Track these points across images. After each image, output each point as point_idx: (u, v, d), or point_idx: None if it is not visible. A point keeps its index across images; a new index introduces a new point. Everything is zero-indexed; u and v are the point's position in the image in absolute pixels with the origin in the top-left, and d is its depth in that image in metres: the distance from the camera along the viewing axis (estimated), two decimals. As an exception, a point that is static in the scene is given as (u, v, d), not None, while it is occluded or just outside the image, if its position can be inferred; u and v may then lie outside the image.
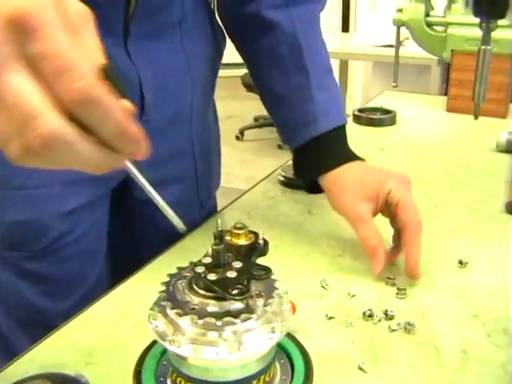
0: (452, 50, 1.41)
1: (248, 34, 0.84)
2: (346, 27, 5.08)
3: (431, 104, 1.54)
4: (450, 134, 1.36)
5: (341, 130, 0.82)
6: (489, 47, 0.64)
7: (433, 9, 1.55)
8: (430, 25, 1.50)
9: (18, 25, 0.34)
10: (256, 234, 0.49)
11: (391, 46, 2.32)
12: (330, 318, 0.65)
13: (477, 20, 0.78)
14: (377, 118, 1.34)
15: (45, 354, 0.59)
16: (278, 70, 0.82)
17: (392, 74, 2.22)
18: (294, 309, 0.60)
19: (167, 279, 0.48)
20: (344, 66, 3.88)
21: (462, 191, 0.99)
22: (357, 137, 1.28)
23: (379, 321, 0.64)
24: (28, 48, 0.34)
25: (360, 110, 1.36)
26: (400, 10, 1.56)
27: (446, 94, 1.55)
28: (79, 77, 0.34)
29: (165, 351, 0.52)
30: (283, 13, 0.81)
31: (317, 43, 0.84)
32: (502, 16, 0.60)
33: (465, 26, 1.41)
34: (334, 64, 4.00)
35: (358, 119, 1.34)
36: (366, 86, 4.41)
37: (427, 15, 1.52)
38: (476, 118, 0.69)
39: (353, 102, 4.75)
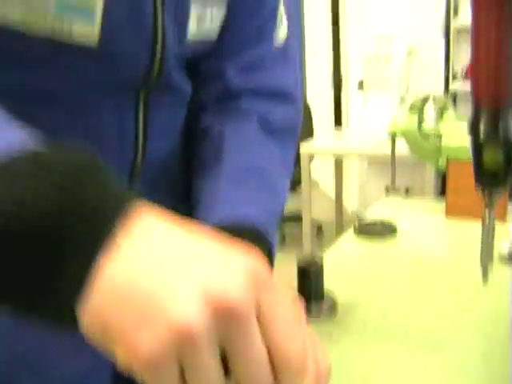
0: (447, 159, 1.43)
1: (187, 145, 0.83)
2: (338, 120, 5.19)
3: (430, 210, 1.55)
4: (451, 243, 1.36)
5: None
6: (492, 214, 0.64)
7: (424, 120, 1.59)
8: (423, 136, 1.53)
9: (257, 279, 0.38)
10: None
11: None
12: None
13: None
14: (377, 230, 1.34)
15: None
16: (199, 176, 0.78)
17: (388, 170, 2.26)
18: None
19: None
20: (339, 164, 3.93)
21: (469, 310, 0.98)
22: (357, 250, 1.28)
23: None
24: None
25: (360, 223, 1.37)
26: (394, 122, 1.60)
27: (442, 189, 1.56)
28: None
29: None
30: (217, 119, 0.81)
31: (242, 144, 0.79)
32: (504, 185, 0.61)
33: (458, 136, 1.43)
34: (329, 162, 4.04)
35: (358, 232, 1.35)
36: (362, 185, 4.45)
37: (420, 124, 1.55)
38: (485, 282, 0.70)
39: (349, 205, 4.73)
